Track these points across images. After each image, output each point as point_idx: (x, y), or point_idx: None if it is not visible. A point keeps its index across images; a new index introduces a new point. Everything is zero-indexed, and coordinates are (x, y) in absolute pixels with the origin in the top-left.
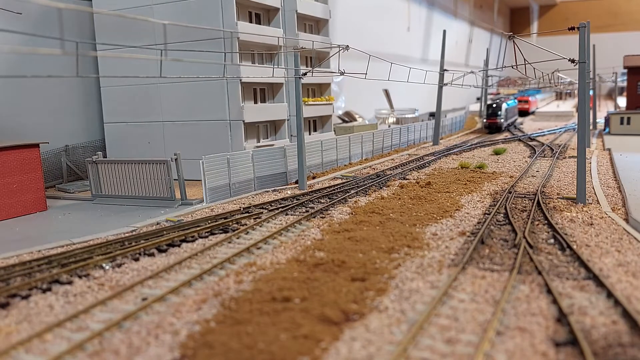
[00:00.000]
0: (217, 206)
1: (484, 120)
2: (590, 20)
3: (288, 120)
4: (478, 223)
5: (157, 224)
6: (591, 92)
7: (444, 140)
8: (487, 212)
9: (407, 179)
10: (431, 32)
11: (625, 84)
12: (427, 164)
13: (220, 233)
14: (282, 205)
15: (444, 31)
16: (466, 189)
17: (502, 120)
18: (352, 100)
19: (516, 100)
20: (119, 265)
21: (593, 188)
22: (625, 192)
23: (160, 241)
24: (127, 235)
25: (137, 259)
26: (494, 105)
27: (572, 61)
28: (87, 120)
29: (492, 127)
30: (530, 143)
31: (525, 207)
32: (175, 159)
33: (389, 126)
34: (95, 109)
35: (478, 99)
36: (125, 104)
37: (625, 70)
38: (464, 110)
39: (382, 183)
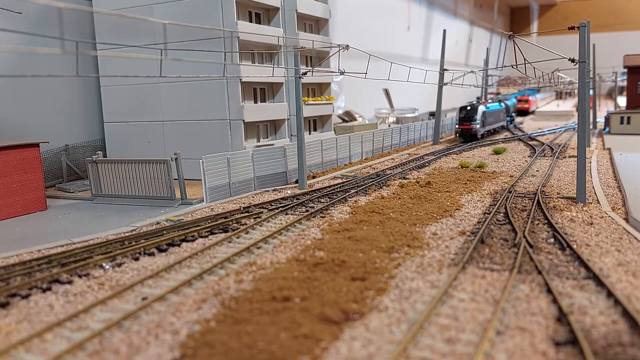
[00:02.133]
0: (217, 206)
1: (456, 126)
2: (590, 20)
3: (288, 119)
4: (478, 222)
5: (157, 223)
6: (591, 92)
7: (444, 140)
8: (487, 211)
9: (407, 179)
10: (431, 31)
11: (625, 83)
12: (427, 164)
13: (220, 232)
14: (282, 204)
15: (444, 31)
16: (466, 188)
17: (477, 126)
18: (352, 99)
19: (503, 104)
20: (119, 265)
21: (593, 187)
22: (625, 192)
23: (160, 241)
24: (127, 234)
25: (137, 259)
26: (469, 108)
27: (572, 61)
28: (87, 119)
29: (465, 134)
30: (530, 142)
31: (525, 206)
32: (175, 159)
33: (389, 126)
34: (95, 108)
35: (478, 98)
36: (126, 103)
37: (625, 70)
38: None
39: (382, 182)
